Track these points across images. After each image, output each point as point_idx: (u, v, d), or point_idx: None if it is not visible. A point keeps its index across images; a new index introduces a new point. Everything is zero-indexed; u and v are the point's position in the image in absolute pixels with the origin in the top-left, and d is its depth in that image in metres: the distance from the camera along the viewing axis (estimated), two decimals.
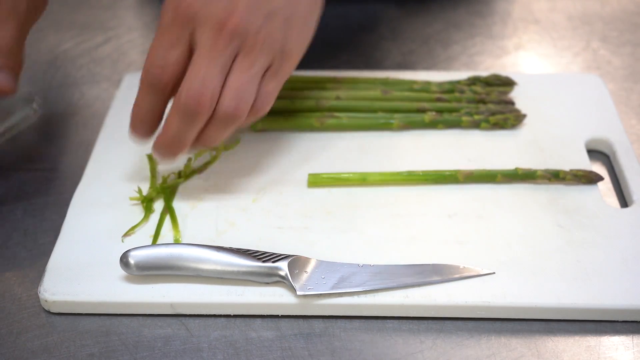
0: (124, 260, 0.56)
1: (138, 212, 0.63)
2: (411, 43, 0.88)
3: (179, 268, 0.56)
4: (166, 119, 0.59)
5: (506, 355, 0.53)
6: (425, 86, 0.74)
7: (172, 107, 0.58)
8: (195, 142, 0.60)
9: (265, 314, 0.56)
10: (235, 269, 0.56)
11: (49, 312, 0.57)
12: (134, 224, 0.61)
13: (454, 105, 0.72)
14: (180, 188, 0.65)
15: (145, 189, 0.65)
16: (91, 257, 0.59)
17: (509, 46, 0.88)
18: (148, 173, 0.67)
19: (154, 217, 0.63)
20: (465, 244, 0.60)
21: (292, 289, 0.55)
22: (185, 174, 0.66)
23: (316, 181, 0.65)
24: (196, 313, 0.56)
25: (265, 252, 0.57)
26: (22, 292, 0.59)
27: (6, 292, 0.59)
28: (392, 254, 0.59)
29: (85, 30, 0.91)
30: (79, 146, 0.73)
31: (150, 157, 0.68)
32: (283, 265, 0.56)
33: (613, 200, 0.65)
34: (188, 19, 0.56)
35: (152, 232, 0.61)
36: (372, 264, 0.57)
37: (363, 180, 0.65)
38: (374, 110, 0.72)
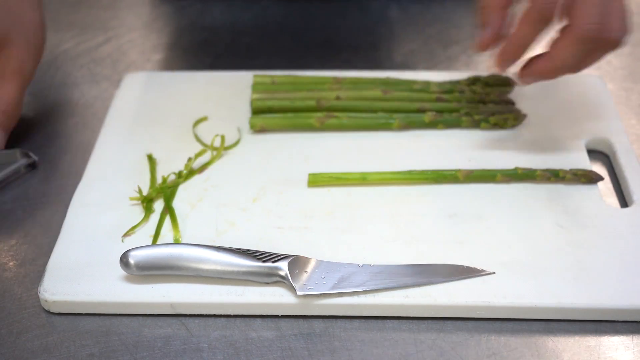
0: (124, 260, 0.56)
1: (138, 212, 0.63)
2: (411, 43, 0.88)
3: (179, 268, 0.56)
4: (519, 25, 0.61)
5: (506, 355, 0.53)
6: (425, 86, 0.74)
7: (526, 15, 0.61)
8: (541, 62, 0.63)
9: (265, 314, 0.56)
10: (235, 269, 0.56)
11: (49, 312, 0.57)
12: (134, 224, 0.61)
13: (454, 105, 0.72)
14: (180, 188, 0.65)
15: (145, 189, 0.65)
16: (91, 257, 0.59)
17: None
18: (148, 173, 0.67)
19: (154, 217, 0.63)
20: (465, 244, 0.60)
21: (292, 289, 0.55)
22: (185, 174, 0.66)
23: (316, 181, 0.65)
24: (196, 313, 0.56)
25: (265, 252, 0.57)
26: (22, 292, 0.59)
27: (6, 292, 0.59)
28: (392, 254, 0.59)
29: (85, 30, 0.91)
30: (79, 146, 0.73)
31: (150, 157, 0.68)
32: (283, 265, 0.56)
33: (613, 200, 0.65)
34: None
35: (152, 232, 0.61)
36: (372, 264, 0.57)
37: (363, 179, 0.65)
38: (374, 110, 0.72)
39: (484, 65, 0.84)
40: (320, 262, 0.57)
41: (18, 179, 0.69)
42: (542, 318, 0.56)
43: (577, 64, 0.62)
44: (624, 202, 0.65)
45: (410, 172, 0.65)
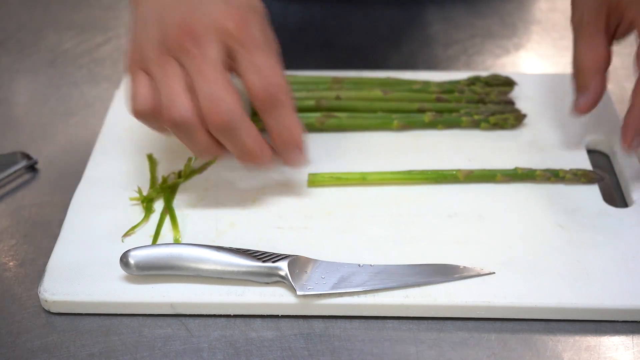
0: (124, 260, 0.56)
1: (138, 212, 0.63)
2: (411, 43, 0.88)
3: (179, 268, 0.56)
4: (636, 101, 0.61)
5: (506, 355, 0.53)
6: (425, 86, 0.74)
7: None
8: None
9: (265, 314, 0.56)
10: (235, 269, 0.56)
11: (49, 312, 0.57)
12: (134, 224, 0.61)
13: (453, 105, 0.72)
14: (180, 188, 0.65)
15: (145, 189, 0.65)
16: (91, 257, 0.59)
17: (509, 46, 0.88)
18: (148, 173, 0.67)
19: (154, 217, 0.63)
20: (465, 244, 0.60)
21: (292, 289, 0.55)
22: (185, 174, 0.66)
23: (316, 181, 0.65)
24: (196, 313, 0.56)
25: (265, 252, 0.57)
26: (22, 292, 0.59)
27: (6, 292, 0.59)
28: (392, 254, 0.59)
29: (85, 30, 0.91)
30: (79, 146, 0.73)
31: (150, 157, 0.68)
32: (283, 265, 0.56)
33: (613, 200, 0.65)
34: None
35: (152, 232, 0.61)
36: (372, 264, 0.57)
37: (363, 179, 0.65)
38: (374, 110, 0.72)
39: (484, 65, 0.84)
40: (320, 262, 0.57)
41: (18, 180, 0.69)
42: (542, 318, 0.56)
43: None
44: (624, 202, 0.65)
45: (410, 172, 0.65)
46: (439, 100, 0.73)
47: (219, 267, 0.56)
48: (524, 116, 0.72)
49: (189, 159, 0.67)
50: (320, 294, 0.55)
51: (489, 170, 0.65)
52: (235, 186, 0.66)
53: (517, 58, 0.86)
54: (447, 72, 0.79)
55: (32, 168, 0.70)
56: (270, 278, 0.56)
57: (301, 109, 0.72)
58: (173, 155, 0.68)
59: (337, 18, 0.92)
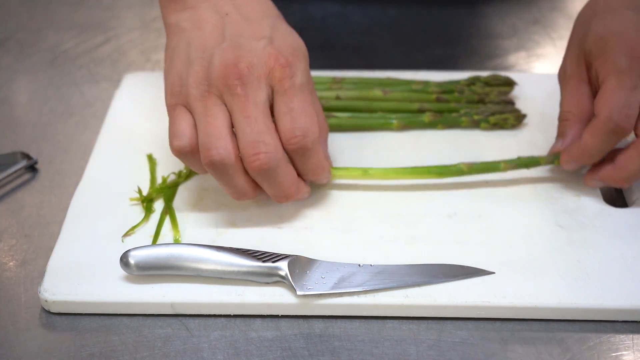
0: (124, 260, 0.56)
1: (138, 212, 0.63)
2: (411, 43, 0.88)
3: (179, 268, 0.56)
4: (585, 135, 0.61)
5: (506, 355, 0.53)
6: (425, 86, 0.74)
7: (593, 125, 0.60)
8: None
9: (265, 314, 0.56)
10: (235, 269, 0.56)
11: (49, 312, 0.57)
12: (134, 224, 0.61)
13: (453, 105, 0.72)
14: (180, 188, 0.65)
15: (145, 189, 0.65)
16: (91, 257, 0.59)
17: (509, 46, 0.88)
18: (148, 173, 0.67)
19: (154, 217, 0.63)
20: (465, 244, 0.60)
21: (292, 289, 0.55)
22: (185, 174, 0.66)
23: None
24: (196, 313, 0.56)
25: (265, 252, 0.57)
26: (22, 292, 0.58)
27: (6, 292, 0.59)
28: (392, 254, 0.59)
29: (85, 30, 0.91)
30: (79, 146, 0.73)
31: (150, 157, 0.68)
32: (283, 265, 0.56)
33: (613, 200, 0.65)
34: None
35: (152, 232, 0.61)
36: (372, 264, 0.57)
37: (364, 174, 0.64)
38: (374, 110, 0.72)
39: (484, 65, 0.84)
40: (320, 262, 0.57)
41: (18, 180, 0.69)
42: (542, 318, 0.56)
43: (602, 152, 0.62)
44: (624, 202, 0.65)
45: (414, 168, 0.65)
46: (438, 100, 0.73)
47: (219, 267, 0.56)
48: (524, 116, 0.72)
49: None
50: (320, 294, 0.55)
51: (492, 162, 0.65)
52: None
53: (517, 58, 0.86)
54: (447, 72, 0.79)
55: (32, 168, 0.70)
56: (270, 278, 0.56)
57: None
58: (173, 155, 0.68)
59: (337, 18, 0.92)
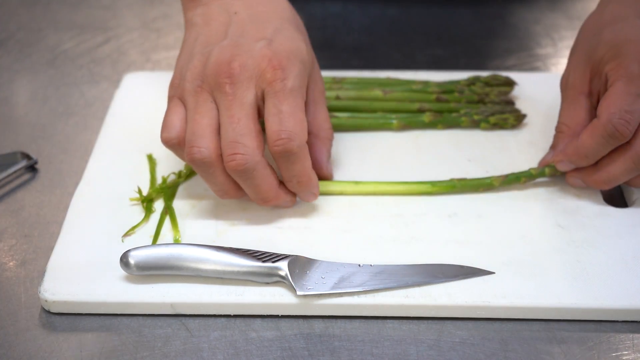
0: (124, 260, 0.56)
1: (138, 212, 0.63)
2: (411, 43, 0.88)
3: (179, 268, 0.56)
4: (583, 135, 0.61)
5: (506, 355, 0.53)
6: (425, 86, 0.74)
7: (592, 127, 0.60)
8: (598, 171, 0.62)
9: (265, 314, 0.56)
10: (235, 269, 0.56)
11: (49, 312, 0.57)
12: (134, 224, 0.61)
13: (453, 105, 0.72)
14: (180, 188, 0.65)
15: (145, 189, 0.65)
16: (91, 257, 0.59)
17: (509, 46, 0.88)
18: (148, 173, 0.67)
19: (154, 217, 0.63)
20: (465, 244, 0.60)
21: (292, 289, 0.55)
22: (185, 174, 0.66)
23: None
24: (196, 313, 0.56)
25: (265, 252, 0.57)
26: (22, 292, 0.58)
27: (6, 292, 0.59)
28: (392, 254, 0.59)
29: (85, 30, 0.91)
30: (79, 146, 0.73)
31: (150, 157, 0.68)
32: (283, 265, 0.56)
33: (613, 200, 0.65)
34: None
35: (152, 232, 0.61)
36: (372, 264, 0.57)
37: (356, 187, 0.64)
38: (374, 110, 0.72)
39: (484, 65, 0.84)
40: (320, 262, 0.57)
41: (18, 180, 0.69)
42: (542, 318, 0.55)
43: (625, 180, 0.62)
44: (624, 202, 0.65)
45: (433, 182, 0.64)
46: (438, 100, 0.73)
47: (219, 267, 0.56)
48: (524, 116, 0.72)
49: None
50: (320, 294, 0.55)
51: (484, 179, 0.65)
52: None
53: (517, 58, 0.86)
54: (447, 72, 0.79)
55: (32, 168, 0.70)
56: (270, 278, 0.56)
57: None
58: (173, 155, 0.68)
59: (337, 18, 0.92)
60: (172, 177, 0.66)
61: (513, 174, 0.64)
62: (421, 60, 0.86)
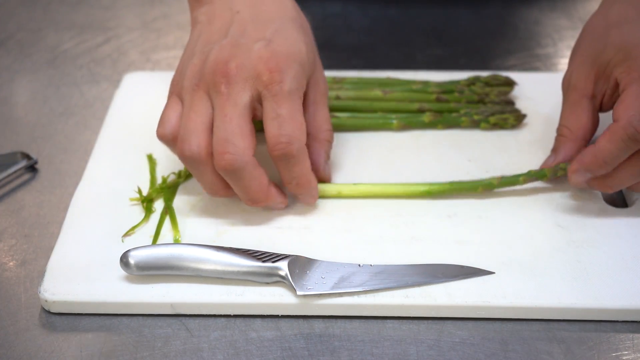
0: (124, 260, 0.56)
1: (138, 212, 0.63)
2: (411, 43, 0.88)
3: (179, 268, 0.56)
4: (599, 142, 0.58)
5: (506, 355, 0.53)
6: (425, 86, 0.74)
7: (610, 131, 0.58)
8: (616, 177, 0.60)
9: (265, 314, 0.56)
10: (235, 269, 0.56)
11: (49, 312, 0.57)
12: (134, 224, 0.61)
13: (453, 105, 0.72)
14: (180, 188, 0.65)
15: (145, 189, 0.65)
16: (91, 257, 0.59)
17: (509, 46, 0.88)
18: (148, 173, 0.67)
19: (154, 217, 0.63)
20: (465, 244, 0.60)
21: (292, 289, 0.55)
22: (185, 174, 0.66)
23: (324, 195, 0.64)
24: (196, 313, 0.56)
25: (265, 252, 0.57)
26: (22, 292, 0.59)
27: (6, 292, 0.59)
28: (392, 254, 0.59)
29: (85, 30, 0.91)
30: (79, 146, 0.73)
31: (150, 157, 0.68)
32: (283, 265, 0.56)
33: (613, 200, 0.65)
34: None
35: (152, 232, 0.61)
36: (372, 264, 0.57)
37: (381, 193, 0.64)
38: (374, 110, 0.72)
39: (484, 65, 0.84)
40: (320, 262, 0.57)
41: (18, 180, 0.69)
42: (542, 318, 0.55)
43: (632, 184, 0.61)
44: (624, 202, 0.65)
45: (431, 184, 0.64)
46: (438, 100, 0.73)
47: (219, 267, 0.56)
48: (524, 116, 0.72)
49: None
50: (320, 294, 0.55)
51: (483, 180, 0.64)
52: None
53: (517, 58, 0.86)
54: (447, 72, 0.79)
55: (32, 168, 0.70)
56: (270, 278, 0.56)
57: None
58: (173, 155, 0.68)
59: (337, 18, 0.92)
60: (172, 177, 0.66)
61: (511, 176, 0.64)
62: (421, 60, 0.86)
